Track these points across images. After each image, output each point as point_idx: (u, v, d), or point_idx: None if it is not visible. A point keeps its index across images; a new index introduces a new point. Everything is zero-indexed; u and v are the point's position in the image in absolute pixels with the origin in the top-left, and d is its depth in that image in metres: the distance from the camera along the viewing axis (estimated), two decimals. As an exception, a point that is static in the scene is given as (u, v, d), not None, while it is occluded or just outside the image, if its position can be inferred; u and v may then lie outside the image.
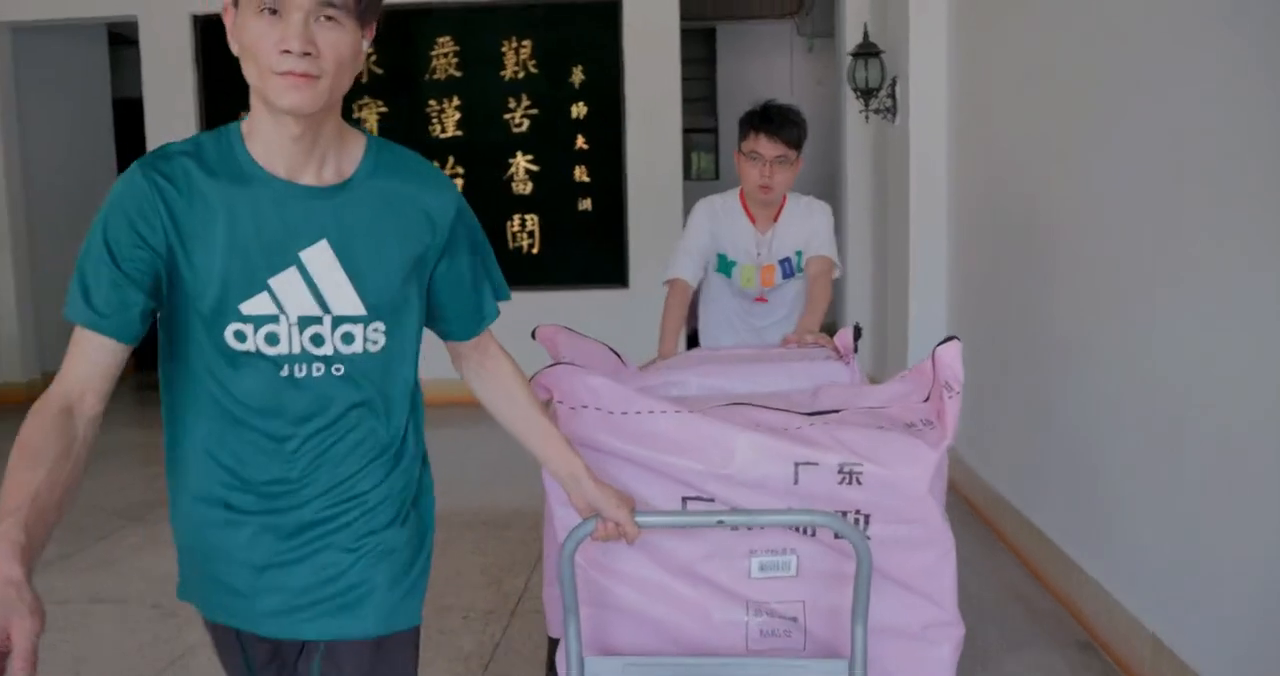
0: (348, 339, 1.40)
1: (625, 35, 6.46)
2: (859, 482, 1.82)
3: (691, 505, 1.91)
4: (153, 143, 6.82)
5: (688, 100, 6.94)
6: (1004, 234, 3.95)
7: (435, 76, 6.59)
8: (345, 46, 1.29)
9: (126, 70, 7.64)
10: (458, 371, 1.67)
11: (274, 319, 1.35)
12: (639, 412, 1.90)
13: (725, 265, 3.21)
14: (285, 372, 1.38)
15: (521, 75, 6.52)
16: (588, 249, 6.58)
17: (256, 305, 1.34)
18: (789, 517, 1.82)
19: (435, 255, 1.47)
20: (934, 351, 1.97)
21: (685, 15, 6.78)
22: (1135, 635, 2.75)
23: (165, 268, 1.31)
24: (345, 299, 1.38)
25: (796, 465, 1.82)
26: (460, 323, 1.58)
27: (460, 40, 6.57)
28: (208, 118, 6.66)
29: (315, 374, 1.39)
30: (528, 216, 6.55)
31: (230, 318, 1.34)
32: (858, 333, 2.55)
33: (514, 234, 6.59)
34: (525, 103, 6.54)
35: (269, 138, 1.34)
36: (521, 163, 6.56)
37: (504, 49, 6.52)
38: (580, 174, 6.56)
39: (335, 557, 1.41)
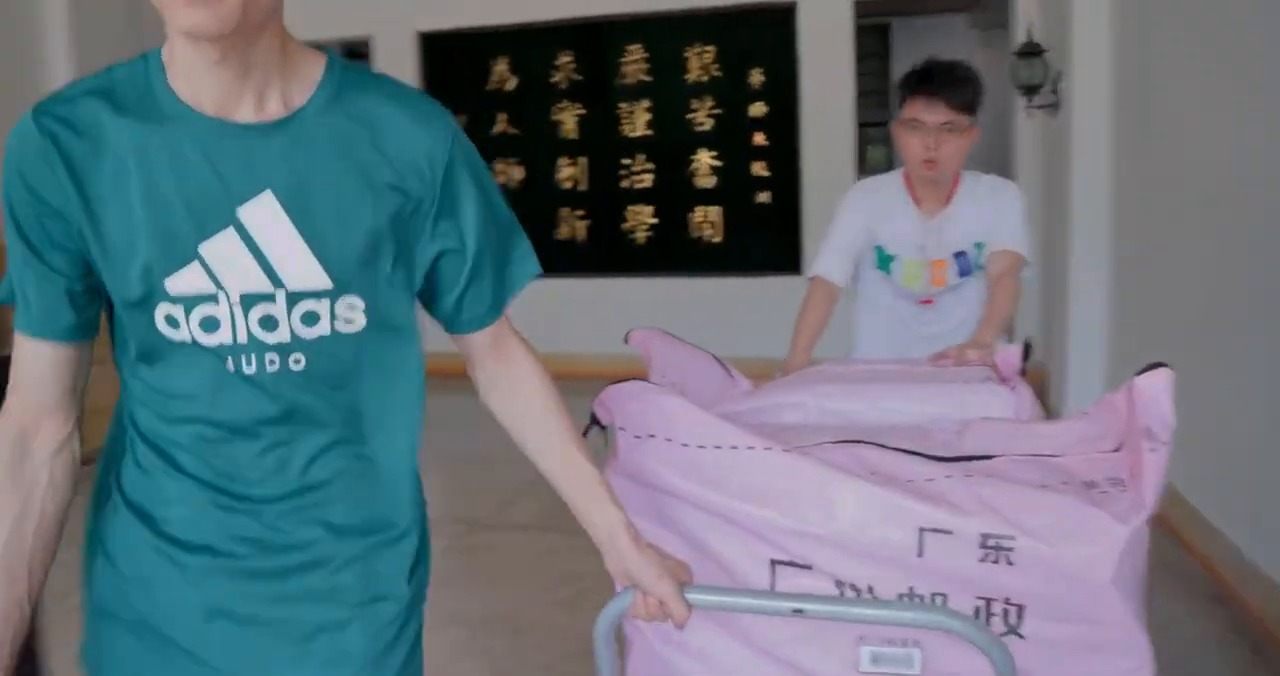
0: (309, 319, 1.02)
1: (800, 37, 6.39)
2: (1009, 561, 1.29)
3: (782, 572, 1.39)
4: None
5: (862, 94, 7.25)
6: (1209, 228, 3.32)
7: (626, 81, 6.72)
8: None
9: None
10: (472, 380, 1.21)
11: (211, 298, 0.99)
12: (719, 447, 1.39)
13: (884, 260, 2.47)
14: (231, 367, 1.01)
15: (705, 78, 6.59)
16: (765, 239, 6.63)
17: (187, 281, 0.98)
18: (896, 614, 1.21)
19: (428, 209, 1.06)
20: (1132, 382, 1.35)
21: (862, 13, 6.47)
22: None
23: (79, 236, 0.98)
24: (302, 267, 1.00)
25: (922, 531, 1.31)
26: (469, 305, 1.13)
27: (649, 48, 6.66)
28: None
29: (269, 368, 1.01)
30: (710, 208, 6.65)
31: (157, 298, 0.98)
32: (1028, 351, 1.89)
33: (697, 224, 6.65)
34: (708, 103, 6.61)
35: (189, 65, 0.97)
36: (704, 159, 6.63)
37: (688, 55, 6.61)
38: (759, 169, 6.61)
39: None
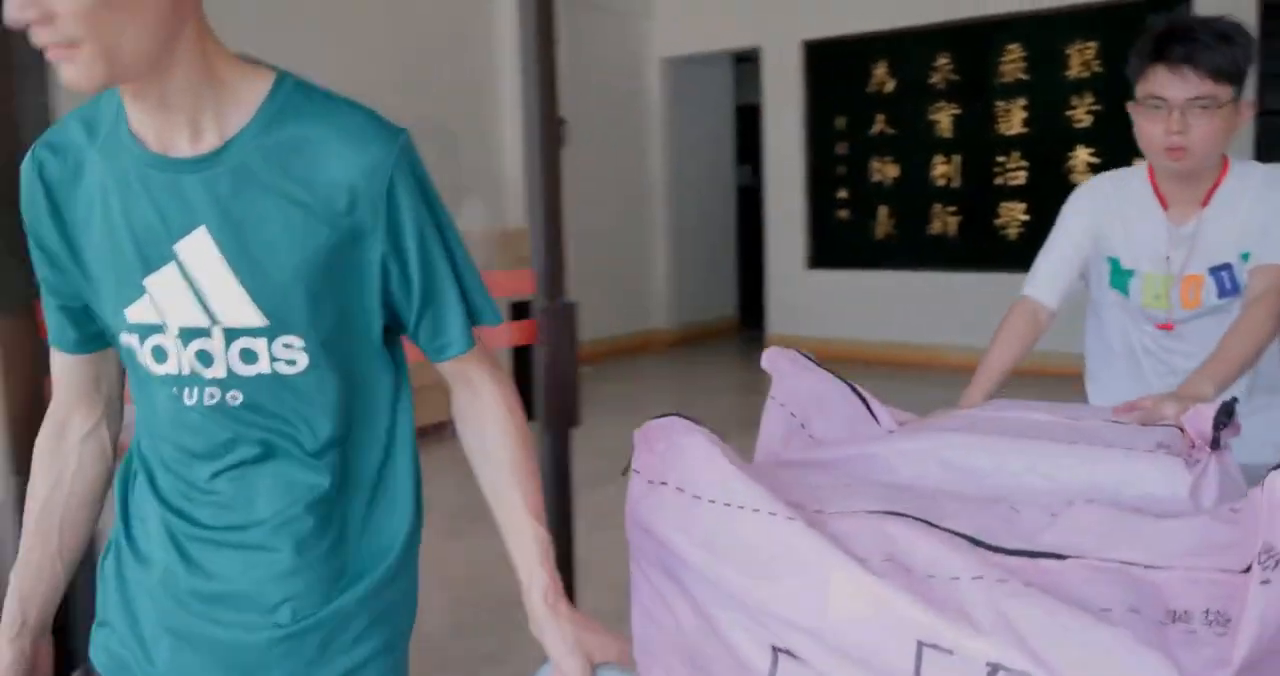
0: (246, 357, 1.00)
1: (1196, 30, 6.69)
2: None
3: (784, 661, 1.11)
4: (770, 144, 7.94)
5: (1267, 77, 6.80)
6: None
7: (1004, 80, 6.90)
8: (112, 23, 0.86)
9: (746, 80, 8.73)
10: None
11: (159, 329, 1.01)
12: (728, 504, 1.14)
13: (1119, 276, 1.91)
14: (181, 398, 1.02)
15: (1086, 75, 6.61)
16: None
17: (139, 312, 1.01)
18: None
19: (371, 240, 1.00)
20: (1265, 479, 0.96)
21: None
22: None
23: (72, 272, 1.04)
24: (236, 304, 0.99)
25: (920, 644, 1.01)
26: (426, 337, 1.08)
27: (1028, 46, 6.78)
28: (813, 126, 7.67)
29: (208, 402, 1.02)
30: (1084, 203, 7.22)
31: (121, 325, 1.02)
32: (1224, 416, 1.32)
33: (1070, 218, 7.25)
34: (1088, 100, 6.64)
35: (127, 101, 0.97)
36: (1082, 155, 6.65)
37: (1069, 51, 6.65)
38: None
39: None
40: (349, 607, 1.08)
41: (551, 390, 1.98)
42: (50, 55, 0.88)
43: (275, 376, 1.01)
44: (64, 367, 1.12)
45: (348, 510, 1.08)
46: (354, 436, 1.08)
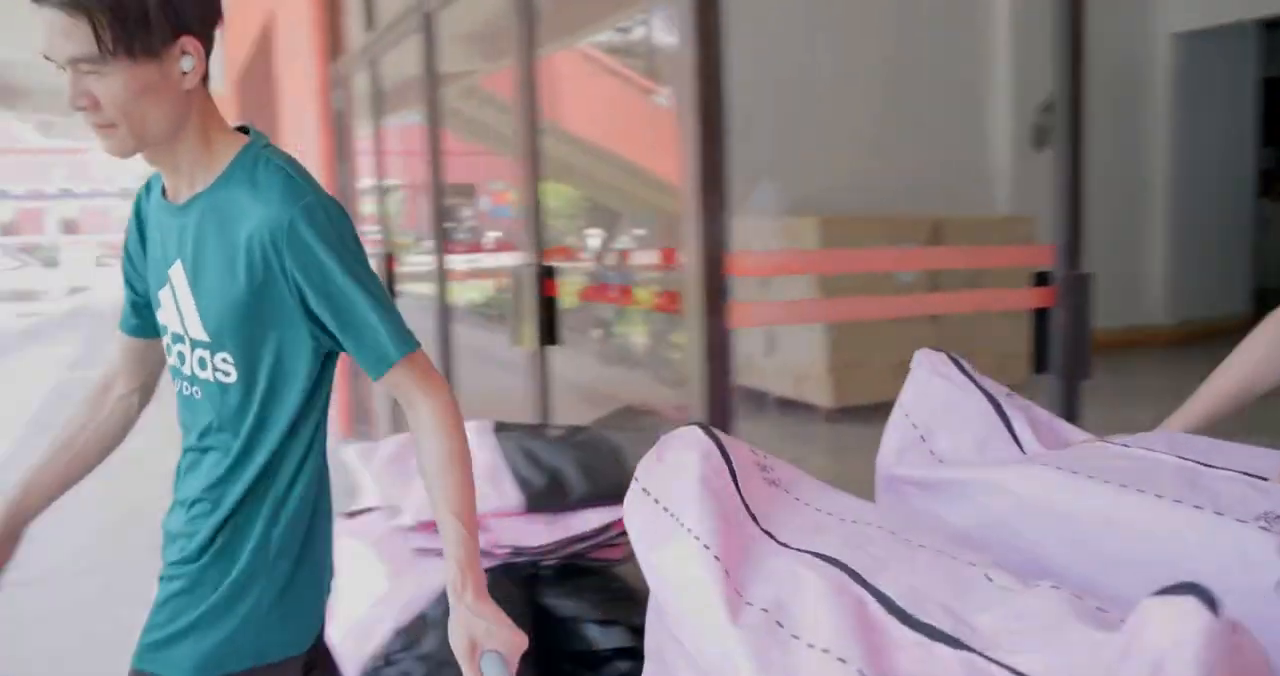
0: (201, 364, 1.30)
1: None
2: None
3: None
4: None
5: None
6: None
7: None
8: (121, 90, 1.18)
9: (1275, 49, 8.11)
10: None
11: (165, 330, 1.36)
12: (680, 524, 1.09)
13: None
14: (178, 382, 1.36)
15: None
16: None
17: (160, 315, 1.35)
18: None
19: (278, 284, 1.24)
20: None
21: None
22: None
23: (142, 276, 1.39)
24: (194, 322, 1.29)
25: None
26: (356, 359, 1.28)
27: None
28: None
29: (184, 391, 1.34)
30: None
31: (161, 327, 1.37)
32: None
33: None
34: None
35: None
36: None
37: None
38: None
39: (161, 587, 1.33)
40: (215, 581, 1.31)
41: (1067, 347, 2.21)
42: (95, 131, 1.22)
43: (215, 383, 1.30)
44: (120, 344, 1.48)
45: (239, 500, 1.30)
46: (259, 440, 1.30)
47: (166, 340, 1.36)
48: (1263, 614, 0.93)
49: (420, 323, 4.01)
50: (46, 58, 1.20)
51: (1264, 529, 1.02)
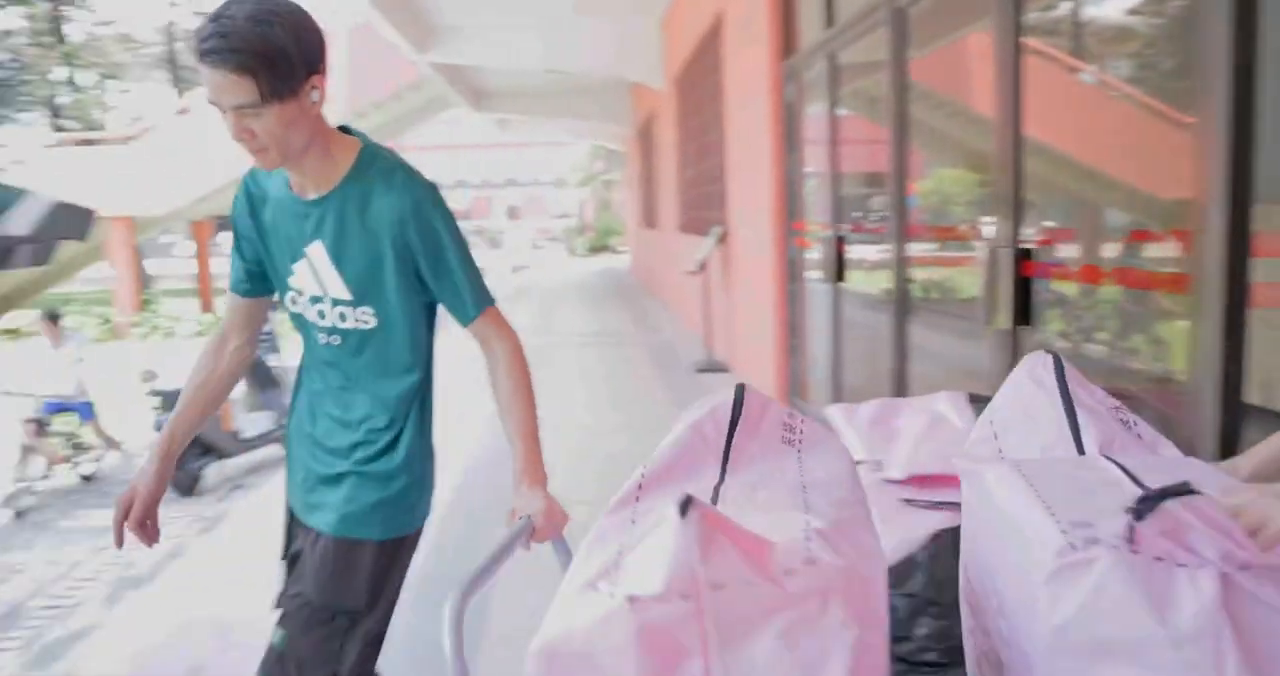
0: (342, 317, 1.75)
1: None
2: None
3: None
4: None
5: None
6: None
7: None
8: (274, 124, 1.56)
9: None
10: None
11: (300, 292, 1.77)
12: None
13: None
14: (315, 335, 1.80)
15: None
16: None
17: (292, 281, 1.77)
18: None
19: (406, 251, 1.70)
20: None
21: None
22: None
23: (258, 249, 1.81)
24: (336, 285, 1.73)
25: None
26: (449, 311, 1.77)
27: None
28: None
29: (321, 340, 1.79)
30: None
31: (284, 287, 1.80)
32: None
33: None
34: None
35: None
36: None
37: None
38: None
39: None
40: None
41: None
42: (252, 154, 1.62)
43: (356, 329, 1.76)
44: (234, 305, 1.90)
45: (397, 413, 1.79)
46: (402, 368, 1.78)
47: (299, 300, 1.78)
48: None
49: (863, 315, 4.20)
50: (212, 103, 1.57)
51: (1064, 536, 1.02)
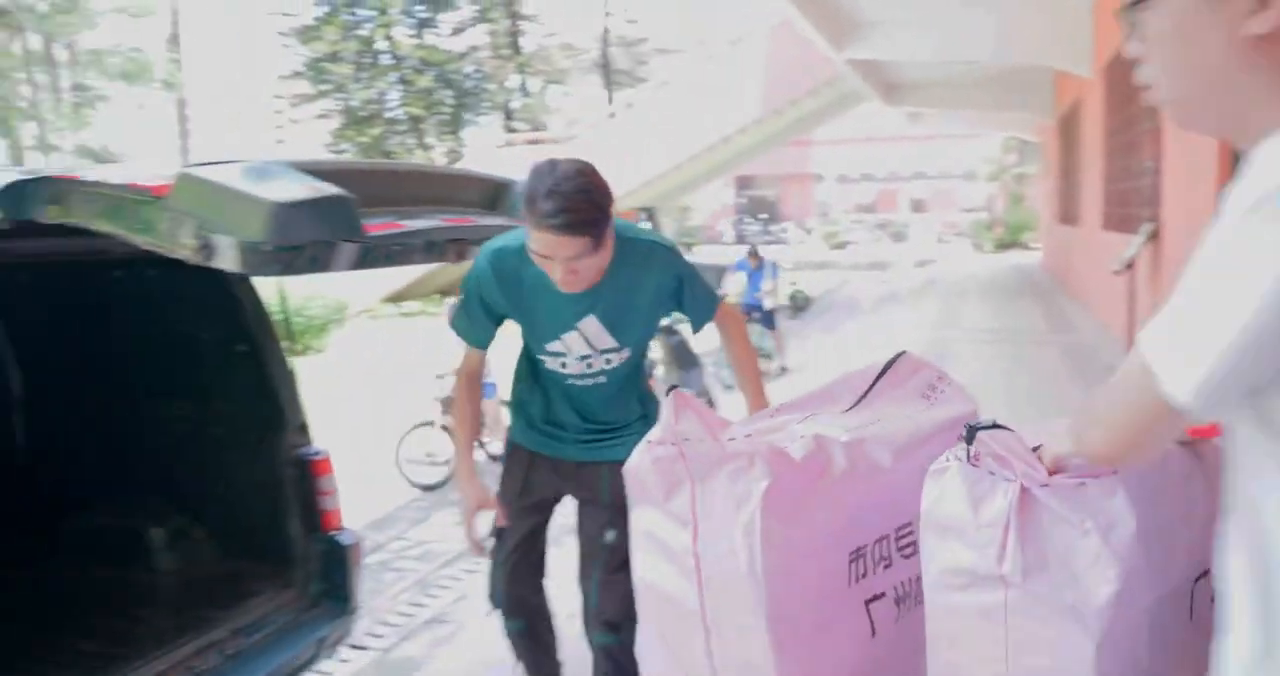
0: (607, 361, 2.32)
1: None
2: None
3: None
4: None
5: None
6: None
7: None
8: (597, 261, 2.08)
9: None
10: None
11: (562, 355, 2.31)
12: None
13: None
14: (565, 380, 2.35)
15: None
16: None
17: (553, 346, 2.31)
18: None
19: (667, 300, 2.32)
20: None
21: None
22: None
23: (506, 316, 2.32)
24: (606, 342, 2.28)
25: None
26: (692, 320, 2.38)
27: None
28: None
29: (583, 383, 2.35)
30: None
31: (539, 352, 2.34)
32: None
33: None
34: None
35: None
36: None
37: None
38: None
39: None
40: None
41: None
42: (565, 284, 2.12)
43: (617, 367, 2.34)
44: (475, 356, 2.42)
45: (636, 402, 2.48)
46: (629, 385, 2.44)
47: (566, 360, 2.30)
48: None
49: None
50: (543, 257, 2.03)
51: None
